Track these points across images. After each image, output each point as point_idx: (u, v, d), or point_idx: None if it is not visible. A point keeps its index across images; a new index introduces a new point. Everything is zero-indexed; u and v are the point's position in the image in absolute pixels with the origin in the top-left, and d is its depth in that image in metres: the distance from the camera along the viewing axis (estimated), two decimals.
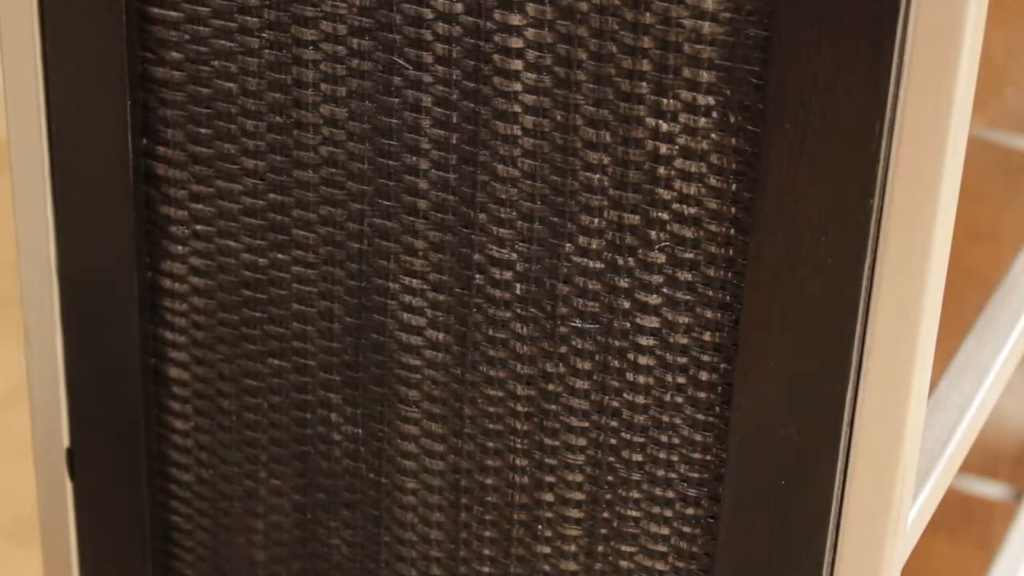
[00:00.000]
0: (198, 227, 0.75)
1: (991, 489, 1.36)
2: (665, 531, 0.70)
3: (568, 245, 0.67)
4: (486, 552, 0.74)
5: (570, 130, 0.65)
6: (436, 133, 0.67)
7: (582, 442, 0.70)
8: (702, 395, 0.67)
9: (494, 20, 0.64)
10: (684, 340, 0.66)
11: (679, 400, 0.67)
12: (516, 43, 0.64)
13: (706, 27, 0.61)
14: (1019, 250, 0.97)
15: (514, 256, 0.68)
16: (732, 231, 0.64)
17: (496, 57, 0.65)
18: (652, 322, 0.66)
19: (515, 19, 0.64)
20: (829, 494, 0.64)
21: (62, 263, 0.77)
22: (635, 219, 0.65)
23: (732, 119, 0.62)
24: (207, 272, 0.75)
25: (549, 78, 0.64)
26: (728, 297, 0.65)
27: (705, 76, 0.62)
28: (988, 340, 0.83)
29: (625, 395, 0.68)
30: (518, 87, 0.65)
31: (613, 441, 0.69)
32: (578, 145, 0.65)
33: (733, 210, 0.63)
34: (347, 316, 0.73)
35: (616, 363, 0.68)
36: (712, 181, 0.63)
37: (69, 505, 0.82)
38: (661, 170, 0.64)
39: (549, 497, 0.71)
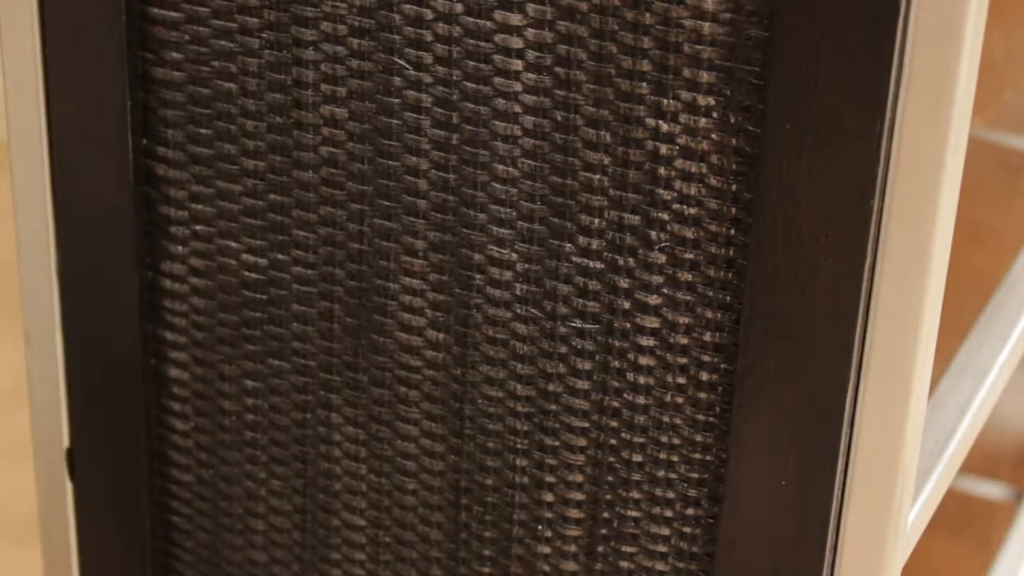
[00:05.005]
0: (198, 227, 0.75)
1: (991, 489, 1.36)
2: (665, 531, 0.70)
3: (568, 245, 0.67)
4: (486, 552, 0.74)
5: (570, 130, 0.65)
6: (436, 134, 0.67)
7: (582, 442, 0.70)
8: (702, 395, 0.67)
9: (494, 20, 0.64)
10: (684, 340, 0.66)
11: (679, 400, 0.67)
12: (516, 43, 0.64)
13: (706, 27, 0.61)
14: (1019, 250, 0.97)
15: (514, 256, 0.68)
16: (732, 231, 0.64)
17: (496, 57, 0.65)
18: (652, 322, 0.66)
19: (515, 19, 0.64)
20: (829, 494, 0.64)
21: (62, 263, 0.77)
22: (635, 219, 0.65)
23: (732, 119, 0.62)
24: (207, 272, 0.75)
25: (549, 78, 0.64)
26: (728, 297, 0.65)
27: (705, 76, 0.62)
28: (988, 340, 0.83)
29: (625, 395, 0.68)
30: (518, 87, 0.65)
31: (613, 441, 0.69)
32: (578, 145, 0.65)
33: (733, 210, 0.63)
34: (347, 316, 0.73)
35: (616, 363, 0.68)
36: (712, 181, 0.63)
37: (69, 505, 0.82)
38: (661, 170, 0.64)
39: (549, 497, 0.71)
